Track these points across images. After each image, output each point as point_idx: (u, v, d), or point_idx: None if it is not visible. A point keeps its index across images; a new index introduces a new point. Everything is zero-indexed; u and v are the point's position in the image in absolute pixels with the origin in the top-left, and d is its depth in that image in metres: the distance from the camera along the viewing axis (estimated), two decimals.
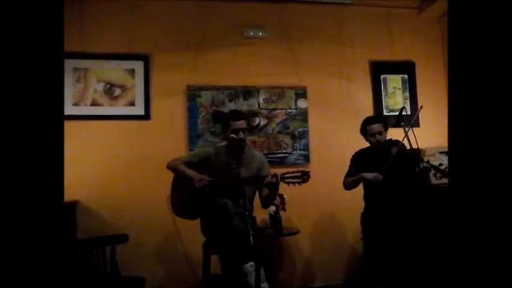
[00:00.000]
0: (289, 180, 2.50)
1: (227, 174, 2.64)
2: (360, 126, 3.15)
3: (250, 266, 2.41)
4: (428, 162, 2.90)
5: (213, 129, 3.64)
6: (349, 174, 3.16)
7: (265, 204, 2.89)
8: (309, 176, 2.48)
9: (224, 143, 2.94)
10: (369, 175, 2.97)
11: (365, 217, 3.11)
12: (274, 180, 2.54)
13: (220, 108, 3.66)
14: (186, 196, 2.77)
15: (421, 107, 3.19)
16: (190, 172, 2.74)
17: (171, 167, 2.85)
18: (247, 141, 2.70)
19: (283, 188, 3.38)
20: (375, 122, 3.07)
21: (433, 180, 3.49)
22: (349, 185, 3.13)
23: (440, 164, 2.90)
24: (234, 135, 2.70)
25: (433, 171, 2.92)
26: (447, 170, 2.91)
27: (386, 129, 3.08)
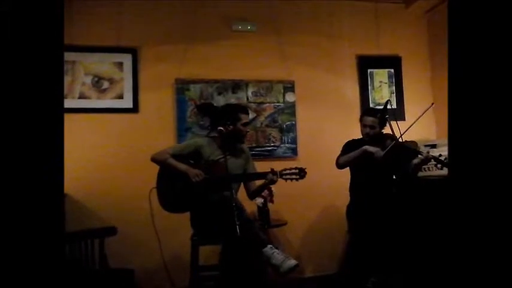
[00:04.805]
0: (288, 176, 2.68)
1: (221, 170, 2.69)
2: (347, 119, 3.20)
3: (269, 248, 2.46)
4: (428, 152, 2.94)
5: (201, 123, 3.65)
6: (342, 155, 3.18)
7: (253, 197, 3.00)
8: (305, 173, 2.69)
9: (215, 135, 2.91)
10: (371, 148, 2.96)
11: (351, 209, 3.16)
12: (275, 178, 2.68)
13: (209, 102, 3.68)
14: (176, 190, 2.76)
15: (433, 104, 3.24)
16: (182, 166, 2.73)
17: (157, 160, 2.81)
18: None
19: None
20: (370, 115, 3.11)
21: (419, 173, 3.56)
22: (346, 160, 3.09)
23: (440, 155, 2.94)
24: (244, 129, 2.82)
25: (433, 162, 2.96)
26: (446, 160, 2.94)
27: (382, 125, 3.10)
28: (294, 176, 2.67)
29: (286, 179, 2.69)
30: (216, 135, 2.86)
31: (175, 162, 2.76)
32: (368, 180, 3.08)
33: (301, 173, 2.68)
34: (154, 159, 2.82)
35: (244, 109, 2.91)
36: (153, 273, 3.47)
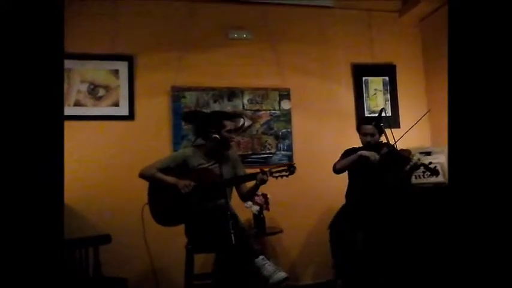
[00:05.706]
0: (277, 174, 2.65)
1: (210, 177, 2.69)
2: (342, 127, 3.21)
3: (261, 259, 2.45)
4: (418, 159, 2.98)
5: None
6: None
7: (246, 199, 3.02)
8: (295, 168, 2.66)
9: (201, 143, 2.90)
10: (366, 152, 3.00)
11: (342, 213, 3.16)
12: (265, 177, 2.65)
13: (205, 109, 3.67)
14: (167, 203, 2.75)
15: (429, 110, 3.29)
16: (170, 179, 2.72)
17: (145, 175, 2.78)
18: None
19: (266, 188, 3.45)
20: (368, 123, 3.13)
21: (413, 180, 3.58)
22: (342, 165, 3.11)
23: (430, 163, 2.97)
24: (229, 135, 2.78)
25: (422, 169, 2.99)
26: (436, 168, 2.97)
27: (380, 132, 3.12)
28: (283, 173, 2.64)
29: (276, 177, 2.66)
30: (202, 143, 2.86)
31: (163, 176, 2.74)
32: (364, 186, 3.09)
33: (291, 168, 2.65)
34: (142, 175, 2.79)
35: (229, 116, 2.87)
36: (147, 282, 3.44)
